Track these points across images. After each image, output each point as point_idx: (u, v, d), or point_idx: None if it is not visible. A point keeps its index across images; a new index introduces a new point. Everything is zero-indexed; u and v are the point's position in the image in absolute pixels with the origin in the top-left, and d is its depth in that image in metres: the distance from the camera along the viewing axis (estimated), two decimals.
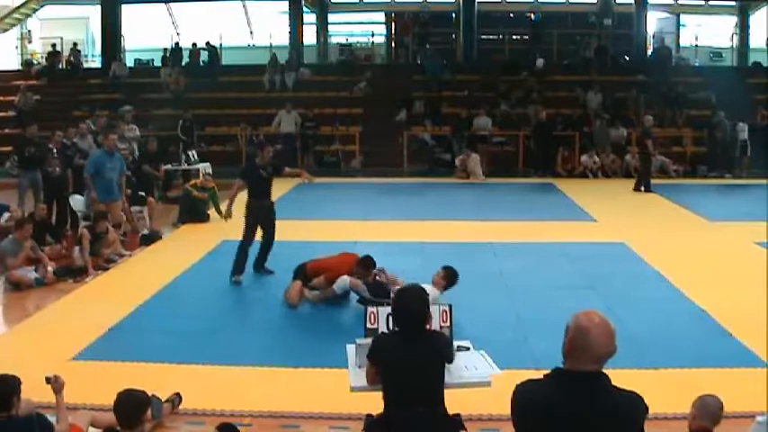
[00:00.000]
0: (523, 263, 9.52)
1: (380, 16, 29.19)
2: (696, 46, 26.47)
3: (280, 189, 15.99)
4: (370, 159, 19.60)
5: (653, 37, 25.42)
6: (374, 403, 3.99)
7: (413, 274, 8.59)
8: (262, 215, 8.73)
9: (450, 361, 4.05)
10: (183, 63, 23.17)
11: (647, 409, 2.68)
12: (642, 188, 15.49)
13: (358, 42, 28.23)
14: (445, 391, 3.95)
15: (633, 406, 2.66)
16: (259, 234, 8.85)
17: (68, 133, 13.09)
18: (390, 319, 4.50)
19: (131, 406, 3.99)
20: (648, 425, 4.99)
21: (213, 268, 9.47)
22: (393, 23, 28.48)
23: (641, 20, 24.41)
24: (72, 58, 23.89)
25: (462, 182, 17.35)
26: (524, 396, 2.72)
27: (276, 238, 10.99)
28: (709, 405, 4.05)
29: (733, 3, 26.71)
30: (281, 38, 25.72)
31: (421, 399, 3.78)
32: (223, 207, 10.35)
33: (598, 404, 2.60)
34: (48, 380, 4.55)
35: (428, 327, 4.33)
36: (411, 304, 3.95)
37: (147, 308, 7.70)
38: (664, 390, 5.39)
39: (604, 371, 2.67)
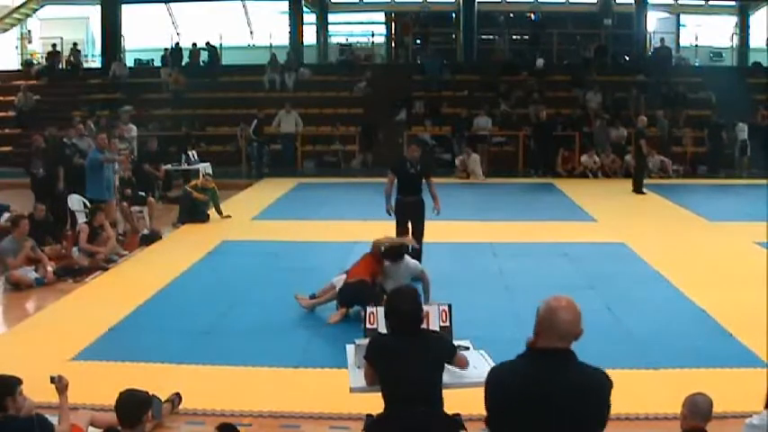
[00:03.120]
0: (523, 263, 9.52)
1: (380, 16, 29.18)
2: (696, 46, 26.44)
3: (280, 189, 16.10)
4: (368, 160, 19.62)
5: (652, 37, 25.41)
6: (374, 403, 3.98)
7: None
8: (408, 211, 8.64)
9: (452, 358, 4.02)
10: (183, 63, 23.16)
11: (611, 383, 2.85)
12: (633, 189, 15.32)
13: (358, 42, 28.21)
14: (445, 391, 3.95)
15: (599, 380, 2.85)
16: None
17: (67, 133, 13.15)
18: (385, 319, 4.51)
19: (132, 405, 3.99)
20: (648, 425, 5.04)
21: (213, 268, 9.49)
22: (393, 23, 28.48)
23: (641, 20, 24.41)
24: (72, 58, 23.88)
25: (462, 182, 17.35)
26: (498, 375, 2.94)
27: (275, 238, 11.11)
28: (700, 403, 4.03)
29: (733, 3, 26.70)
30: (281, 38, 25.71)
31: (420, 398, 3.77)
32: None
33: (566, 377, 2.79)
34: (52, 380, 4.55)
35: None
36: (403, 305, 3.95)
37: (147, 308, 7.70)
38: (664, 390, 5.40)
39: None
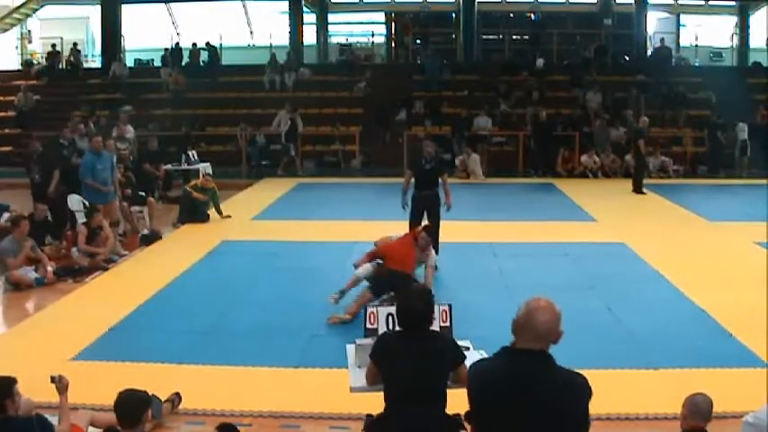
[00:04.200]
0: (523, 263, 9.51)
1: (380, 16, 29.19)
2: (696, 46, 26.45)
3: (280, 189, 16.10)
4: (370, 159, 19.63)
5: (652, 37, 25.42)
6: (374, 403, 3.98)
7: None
8: (423, 204, 9.17)
9: (462, 361, 3.99)
10: (183, 63, 23.17)
11: (591, 392, 2.82)
12: (633, 189, 15.30)
13: (358, 42, 28.22)
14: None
15: (576, 385, 2.81)
16: None
17: (63, 133, 13.17)
18: (392, 318, 4.51)
19: (132, 405, 3.98)
20: (648, 425, 5.04)
21: (213, 268, 9.48)
22: (393, 23, 28.49)
23: (641, 20, 24.41)
24: (72, 58, 23.89)
25: (462, 182, 17.34)
26: (477, 374, 2.97)
27: (275, 238, 11.11)
28: (700, 403, 4.03)
29: (733, 3, 26.70)
30: (281, 38, 25.72)
31: (422, 399, 3.77)
32: None
33: (541, 379, 2.77)
34: (52, 379, 4.55)
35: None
36: (414, 304, 3.95)
37: (147, 308, 7.70)
38: (664, 390, 5.40)
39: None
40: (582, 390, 2.81)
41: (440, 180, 9.32)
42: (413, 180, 9.32)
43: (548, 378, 2.78)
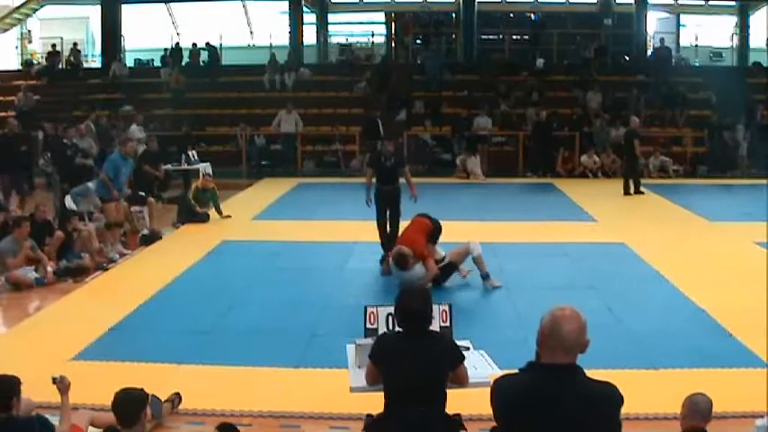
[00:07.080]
0: (523, 263, 9.51)
1: (380, 16, 29.19)
2: (696, 46, 26.46)
3: (280, 189, 16.10)
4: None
5: (652, 37, 25.42)
6: (374, 403, 3.98)
7: None
8: (383, 198, 9.60)
9: (461, 361, 4.00)
10: (183, 63, 23.16)
11: (622, 399, 2.76)
12: (632, 191, 15.10)
13: (358, 42, 28.21)
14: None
15: (608, 396, 2.76)
16: None
17: (67, 134, 13.18)
18: (392, 318, 4.51)
19: (128, 404, 3.98)
20: (648, 425, 5.04)
21: (213, 268, 9.49)
22: (393, 23, 28.49)
23: (641, 20, 24.41)
24: (72, 58, 23.88)
25: (462, 182, 17.35)
26: (502, 391, 2.83)
27: (275, 238, 11.12)
28: (699, 403, 4.03)
29: (733, 3, 26.70)
30: (281, 38, 25.72)
31: (422, 399, 3.77)
32: None
33: (573, 394, 2.69)
34: (54, 380, 4.55)
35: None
36: (413, 304, 3.95)
37: (147, 308, 7.69)
38: (664, 390, 5.39)
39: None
40: (610, 400, 2.74)
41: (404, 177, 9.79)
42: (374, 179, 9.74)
43: (574, 393, 2.69)
